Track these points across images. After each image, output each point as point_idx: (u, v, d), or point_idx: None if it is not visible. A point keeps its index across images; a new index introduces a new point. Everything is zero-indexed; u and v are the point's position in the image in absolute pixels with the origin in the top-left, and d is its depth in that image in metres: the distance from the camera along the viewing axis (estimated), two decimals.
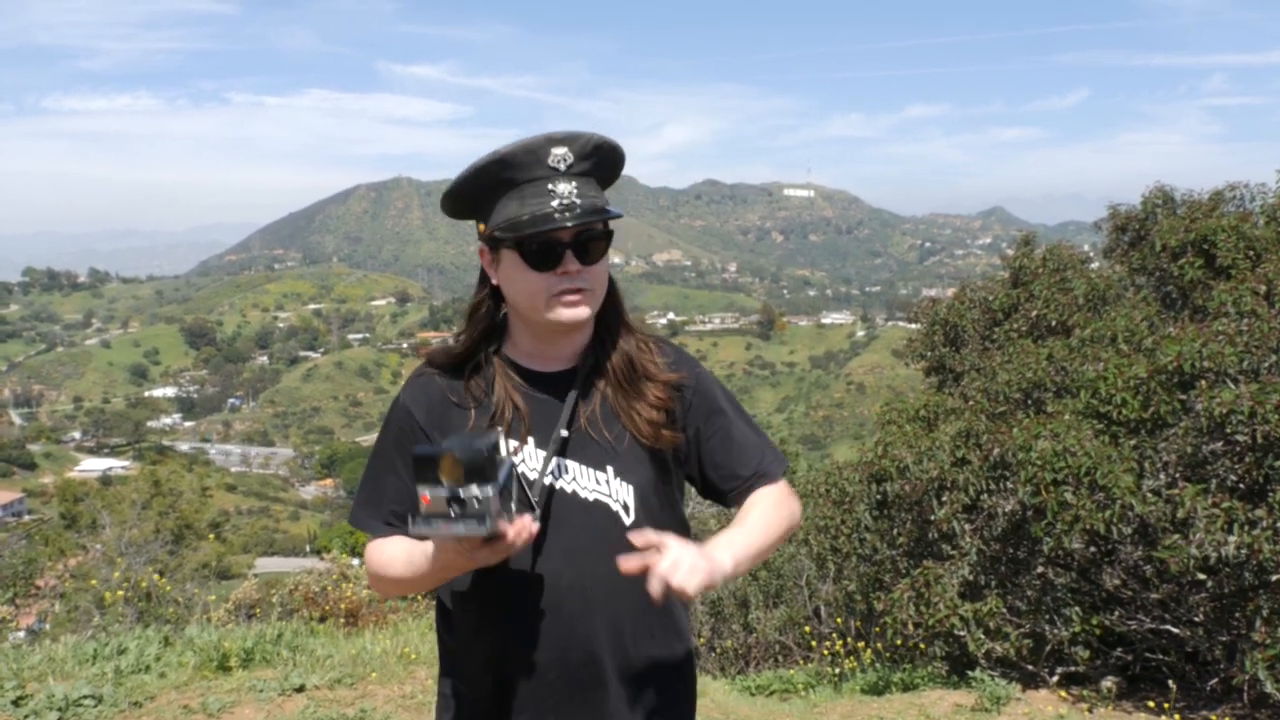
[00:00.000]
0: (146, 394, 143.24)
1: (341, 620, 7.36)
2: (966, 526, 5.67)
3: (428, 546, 1.54)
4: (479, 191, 1.64)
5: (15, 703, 4.11)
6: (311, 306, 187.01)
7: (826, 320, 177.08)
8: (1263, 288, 6.12)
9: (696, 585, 1.45)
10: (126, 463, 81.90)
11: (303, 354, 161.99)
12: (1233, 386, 5.03)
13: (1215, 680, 5.18)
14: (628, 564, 1.48)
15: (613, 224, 1.69)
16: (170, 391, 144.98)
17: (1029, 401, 6.80)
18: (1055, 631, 5.43)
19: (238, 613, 8.71)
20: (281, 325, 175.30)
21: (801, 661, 7.43)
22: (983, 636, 5.36)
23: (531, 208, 1.58)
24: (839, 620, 7.67)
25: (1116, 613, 5.49)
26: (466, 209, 1.68)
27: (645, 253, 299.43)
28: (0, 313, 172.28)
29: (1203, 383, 5.21)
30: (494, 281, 1.69)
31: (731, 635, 8.77)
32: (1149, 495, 5.02)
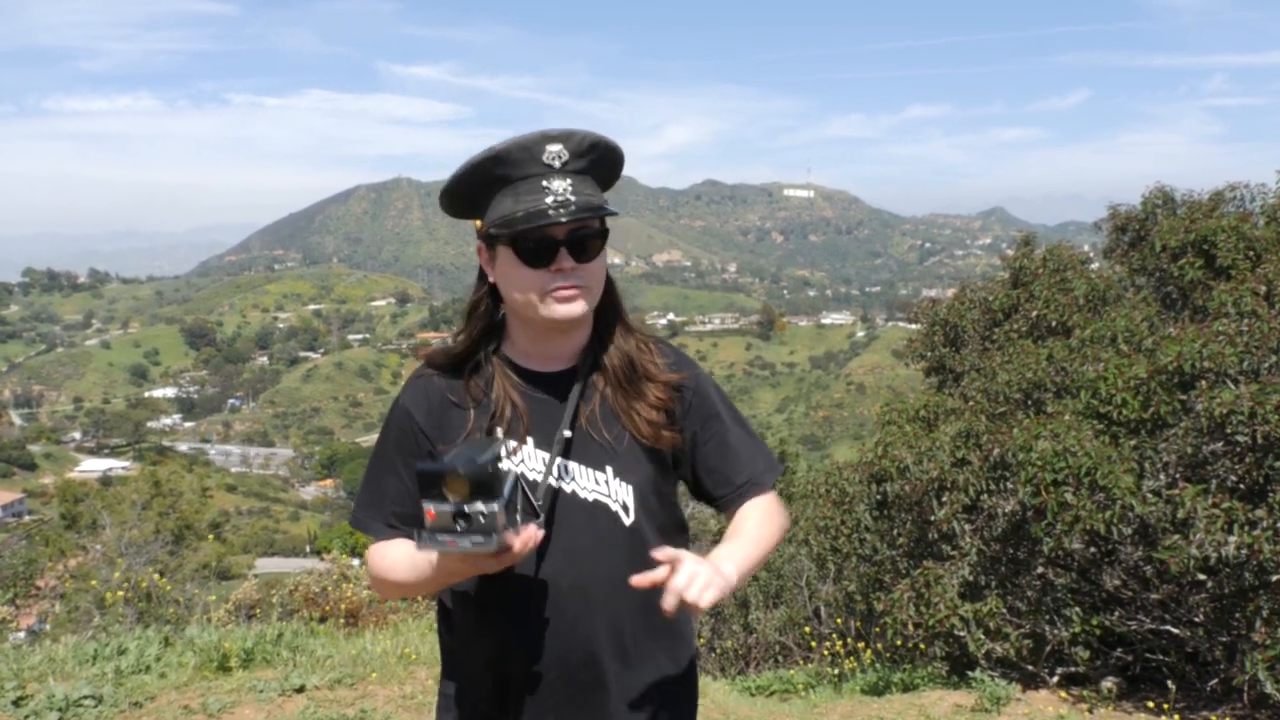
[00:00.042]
0: (146, 394, 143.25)
1: (342, 621, 7.36)
2: (966, 527, 5.67)
3: (431, 553, 1.55)
4: (475, 188, 1.64)
5: (16, 703, 4.11)
6: (311, 307, 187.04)
7: (826, 321, 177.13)
8: (1263, 288, 6.12)
9: (710, 601, 1.46)
10: (127, 463, 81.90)
11: (303, 354, 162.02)
12: (1233, 387, 5.03)
13: (1215, 681, 5.17)
14: (640, 579, 1.48)
15: (612, 224, 1.69)
16: (170, 392, 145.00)
17: (1029, 402, 6.80)
18: (1055, 632, 5.43)
19: (238, 613, 8.71)
20: (281, 326, 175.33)
21: (801, 662, 7.43)
22: (983, 637, 5.36)
23: (526, 204, 1.57)
24: (839, 620, 7.67)
25: (1116, 613, 5.49)
26: (463, 206, 1.68)
27: (645, 253, 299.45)
28: (0, 313, 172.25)
29: (1203, 383, 5.21)
30: (491, 279, 1.69)
31: (731, 636, 8.77)
32: (1149, 496, 5.01)
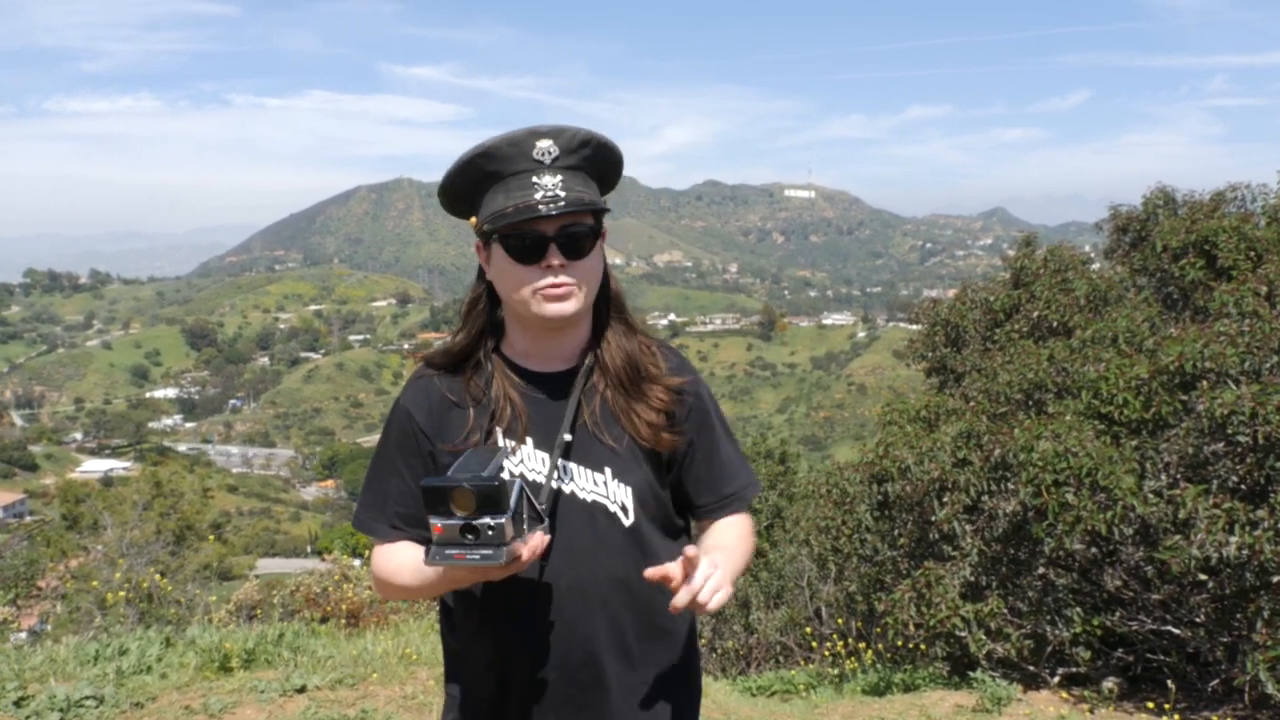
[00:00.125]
0: (147, 395, 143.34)
1: (343, 621, 7.36)
2: (967, 527, 5.67)
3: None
4: (468, 185, 1.64)
5: (17, 703, 4.11)
6: (312, 308, 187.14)
7: (827, 321, 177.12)
8: (1264, 288, 6.12)
9: (717, 604, 1.50)
10: (128, 464, 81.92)
11: (304, 355, 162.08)
12: (1234, 387, 5.03)
13: (1216, 681, 5.17)
14: (653, 572, 1.50)
15: (612, 224, 1.68)
16: (171, 393, 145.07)
17: (1030, 402, 6.80)
18: (1056, 632, 5.43)
19: (239, 614, 8.71)
20: (282, 326, 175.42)
21: (803, 662, 7.43)
22: (984, 637, 5.36)
23: (516, 199, 1.57)
24: (840, 621, 7.67)
25: (1117, 613, 5.49)
26: (459, 204, 1.68)
27: (646, 254, 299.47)
28: (2, 314, 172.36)
29: (1204, 383, 5.21)
30: (489, 277, 1.69)
31: (733, 636, 8.77)
32: (1150, 496, 5.01)
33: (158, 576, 9.63)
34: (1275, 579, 4.60)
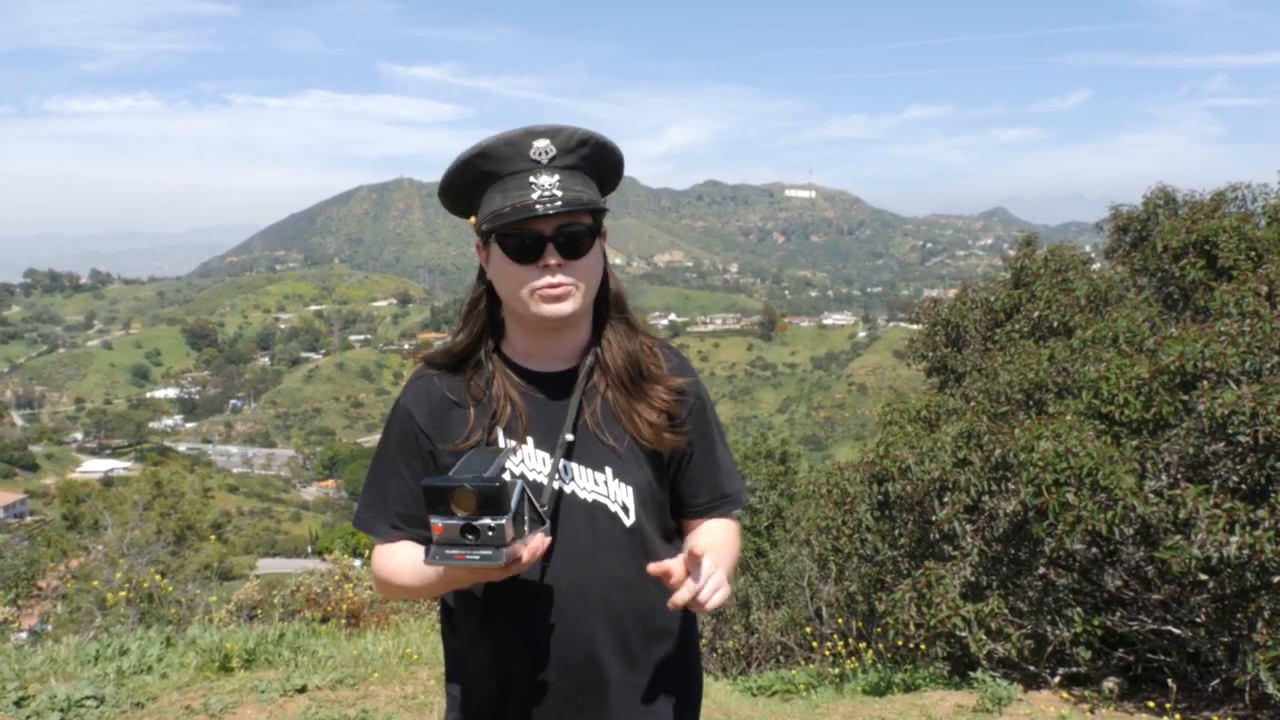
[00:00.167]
0: (148, 395, 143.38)
1: (343, 621, 7.36)
2: (968, 527, 5.67)
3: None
4: (466, 185, 1.64)
5: (18, 703, 4.11)
6: (313, 308, 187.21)
7: (828, 321, 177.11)
8: (1265, 288, 6.12)
9: (716, 604, 1.52)
10: (128, 464, 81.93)
11: (304, 355, 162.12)
12: (1235, 387, 5.03)
13: (1217, 681, 5.17)
14: (656, 567, 1.50)
15: (613, 225, 1.68)
16: (172, 393, 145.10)
17: (1031, 402, 6.80)
18: (1057, 632, 5.43)
19: (239, 614, 8.71)
20: (283, 326, 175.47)
21: (803, 662, 7.43)
22: (984, 637, 5.36)
23: (513, 199, 1.57)
24: (840, 621, 7.67)
25: (1118, 613, 5.49)
26: (458, 203, 1.68)
27: (646, 254, 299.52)
28: (2, 314, 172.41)
29: (1205, 383, 5.21)
30: (489, 276, 1.69)
31: (733, 636, 8.77)
32: (1151, 496, 5.01)
33: (158, 576, 9.63)
34: (1276, 579, 4.60)
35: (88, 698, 4.16)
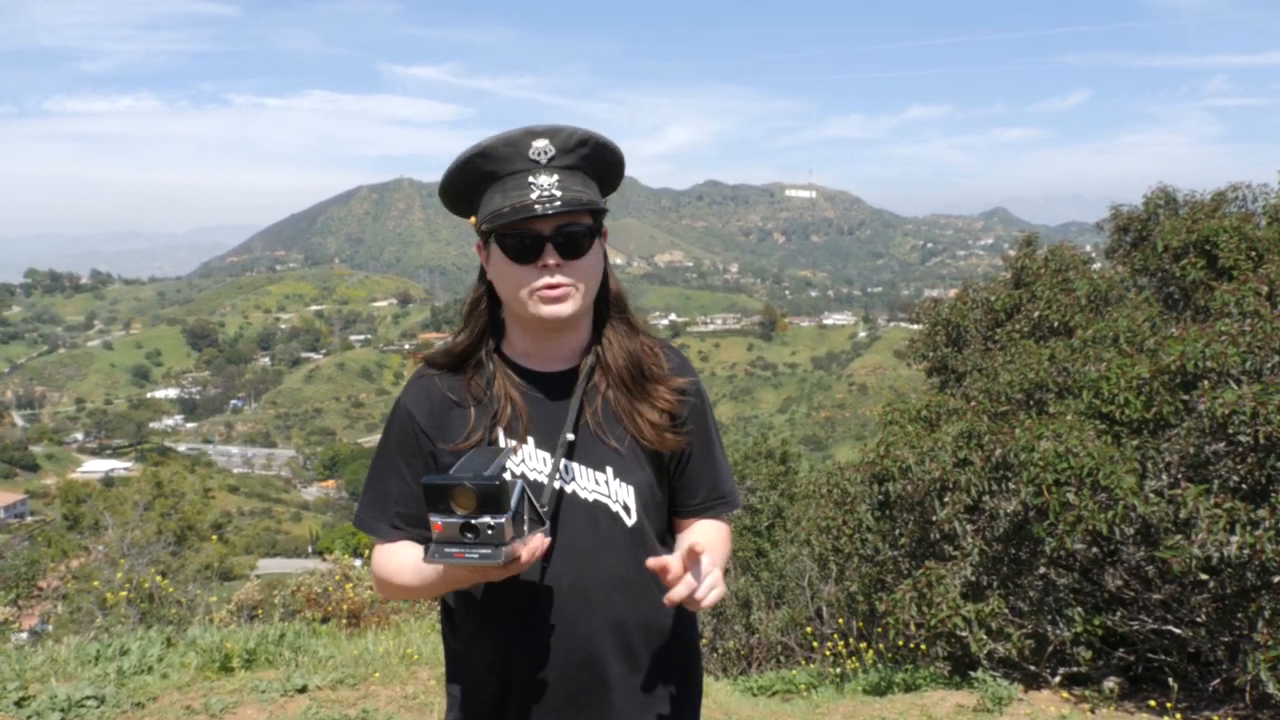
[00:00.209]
0: (148, 395, 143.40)
1: (344, 621, 7.36)
2: (968, 527, 5.67)
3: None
4: (466, 185, 1.64)
5: (18, 703, 4.11)
6: (313, 308, 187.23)
7: (828, 321, 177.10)
8: (1265, 288, 6.12)
9: (711, 602, 1.52)
10: (129, 464, 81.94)
11: (305, 355, 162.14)
12: (1235, 387, 5.03)
13: (1217, 681, 5.17)
14: (654, 562, 1.51)
15: (613, 225, 1.68)
16: (172, 393, 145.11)
17: (1031, 402, 6.80)
18: (1057, 632, 5.43)
19: (240, 614, 8.71)
20: (283, 326, 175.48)
21: (804, 662, 7.43)
22: (985, 637, 5.36)
23: (512, 199, 1.57)
24: (841, 621, 7.67)
25: (1118, 613, 5.49)
26: (459, 203, 1.68)
27: (647, 254, 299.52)
28: (3, 314, 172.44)
29: (1205, 383, 5.21)
30: (489, 276, 1.69)
31: (734, 636, 8.77)
32: (1151, 496, 5.01)
33: (159, 577, 9.63)
34: (1276, 579, 4.59)
35: (88, 698, 4.16)
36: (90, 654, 4.82)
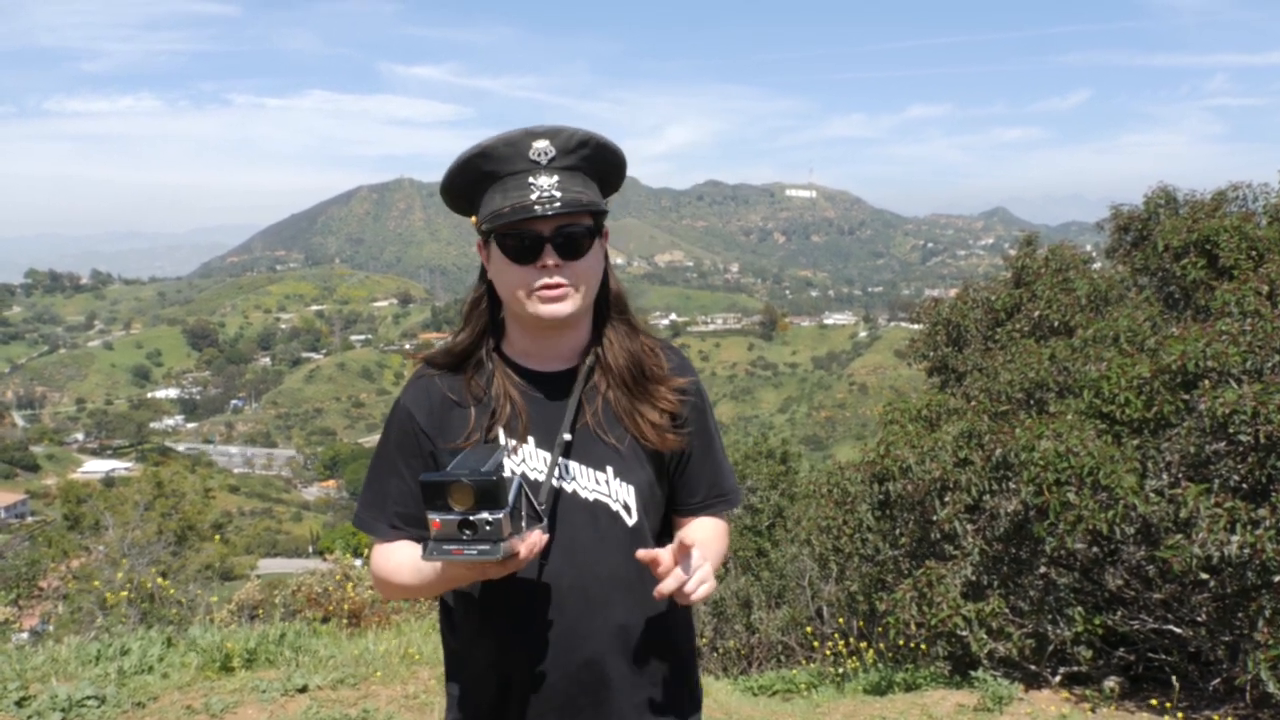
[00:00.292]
0: (149, 395, 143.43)
1: (344, 621, 7.36)
2: (969, 527, 5.67)
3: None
4: (467, 185, 1.64)
5: (19, 703, 4.11)
6: (314, 308, 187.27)
7: (829, 321, 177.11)
8: (1266, 288, 6.12)
9: (701, 596, 1.54)
10: (129, 464, 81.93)
11: (305, 355, 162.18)
12: (1236, 386, 5.03)
13: (1218, 680, 5.17)
14: (644, 554, 1.51)
15: (614, 225, 1.68)
16: (173, 393, 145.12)
17: (1031, 402, 6.80)
18: (1058, 631, 5.42)
19: (240, 614, 8.71)
20: (284, 326, 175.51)
21: (804, 661, 7.43)
22: (985, 636, 5.36)
23: (512, 199, 1.57)
24: (841, 620, 7.67)
25: (1119, 613, 5.49)
26: (460, 202, 1.69)
27: (647, 253, 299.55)
28: (3, 314, 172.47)
29: (1206, 383, 5.21)
30: (490, 275, 1.69)
31: (734, 635, 8.77)
32: (1152, 495, 5.01)
33: (159, 577, 9.63)
34: (1277, 578, 4.59)
35: (89, 698, 4.16)
36: (91, 654, 4.83)
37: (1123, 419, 5.57)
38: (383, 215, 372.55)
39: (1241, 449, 4.97)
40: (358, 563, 10.37)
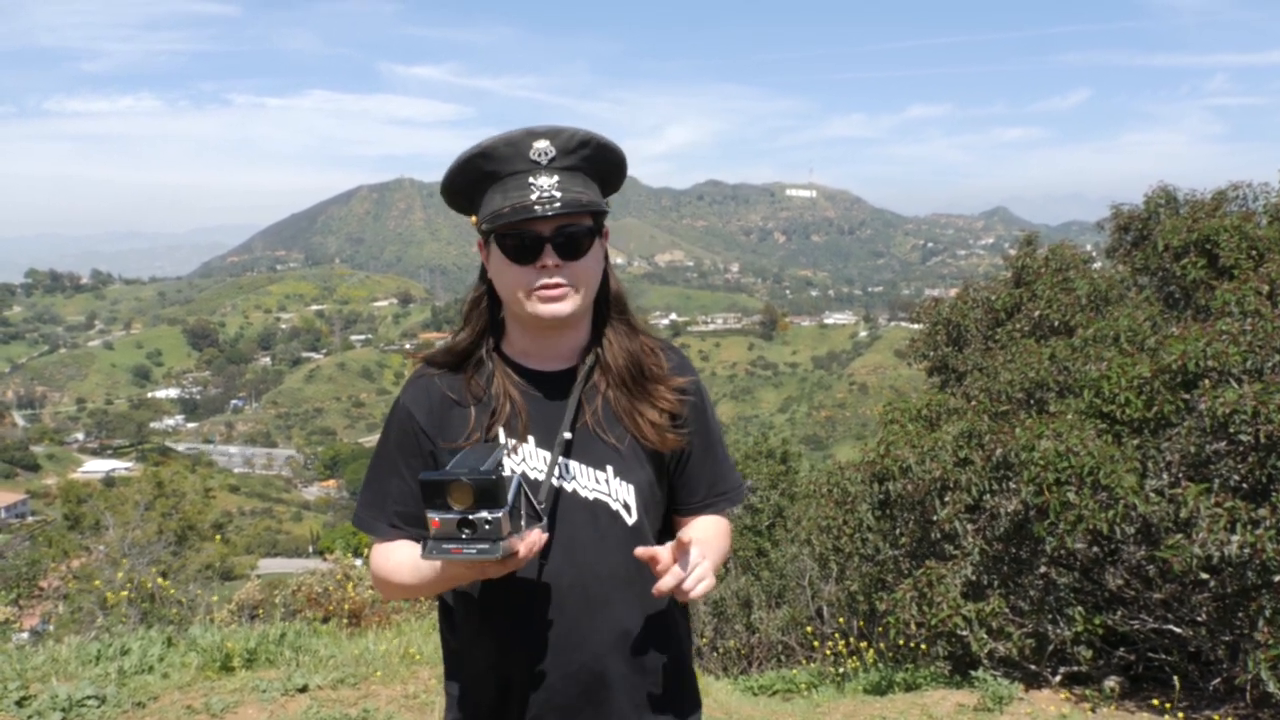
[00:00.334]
0: (149, 395, 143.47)
1: (344, 620, 7.36)
2: (969, 526, 5.67)
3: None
4: (467, 184, 1.64)
5: (19, 703, 4.11)
6: (314, 308, 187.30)
7: (829, 320, 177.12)
8: (1266, 287, 6.12)
9: (700, 593, 1.53)
10: (129, 464, 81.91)
11: (305, 355, 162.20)
12: (1236, 386, 5.03)
13: (1218, 680, 5.17)
14: (644, 551, 1.51)
15: (614, 224, 1.68)
16: (173, 393, 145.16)
17: (1031, 401, 6.79)
18: (1058, 631, 5.42)
19: (241, 613, 8.71)
20: (284, 326, 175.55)
21: (804, 661, 7.43)
22: (985, 636, 5.36)
23: (512, 200, 1.57)
24: (841, 620, 7.67)
25: (1119, 612, 5.49)
26: (460, 202, 1.69)
27: (647, 253, 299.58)
28: (3, 314, 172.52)
29: (1206, 382, 5.21)
30: (489, 275, 1.69)
31: (734, 635, 8.77)
32: (1152, 495, 5.01)
33: (159, 577, 9.63)
34: (1277, 578, 4.59)
35: (89, 697, 4.16)
36: (91, 654, 4.83)
37: (1123, 419, 5.57)
38: (383, 215, 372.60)
39: (1242, 449, 4.97)
40: (358, 562, 10.37)
